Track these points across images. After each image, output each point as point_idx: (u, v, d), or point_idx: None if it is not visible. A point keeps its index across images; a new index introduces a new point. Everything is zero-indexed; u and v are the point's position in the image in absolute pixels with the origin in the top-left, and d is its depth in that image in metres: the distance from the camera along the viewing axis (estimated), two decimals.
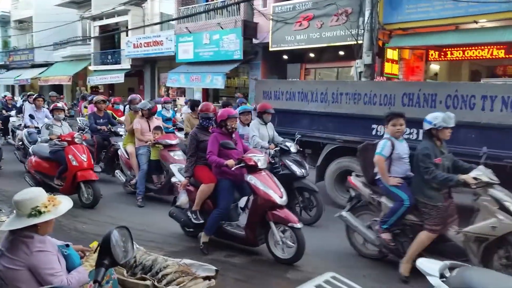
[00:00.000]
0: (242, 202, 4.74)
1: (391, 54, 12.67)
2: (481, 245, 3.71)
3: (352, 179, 4.64)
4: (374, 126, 6.22)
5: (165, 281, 2.91)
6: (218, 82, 16.23)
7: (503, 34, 10.36)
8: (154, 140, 6.60)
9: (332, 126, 6.70)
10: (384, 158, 4.16)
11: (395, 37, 12.22)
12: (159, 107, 8.80)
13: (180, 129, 8.98)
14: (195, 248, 4.78)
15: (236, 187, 4.68)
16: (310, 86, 7.12)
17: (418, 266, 2.41)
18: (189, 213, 4.81)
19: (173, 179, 5.42)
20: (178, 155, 6.48)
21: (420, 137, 5.41)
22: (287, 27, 14.25)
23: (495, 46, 11.47)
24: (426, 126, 4.04)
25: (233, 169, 4.38)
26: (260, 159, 4.45)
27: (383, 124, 5.96)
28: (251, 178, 4.38)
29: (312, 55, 14.99)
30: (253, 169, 4.40)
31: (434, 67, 14.14)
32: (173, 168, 5.52)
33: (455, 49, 12.30)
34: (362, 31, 11.43)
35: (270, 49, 14.97)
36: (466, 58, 12.44)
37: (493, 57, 11.83)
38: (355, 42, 11.90)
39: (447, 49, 12.50)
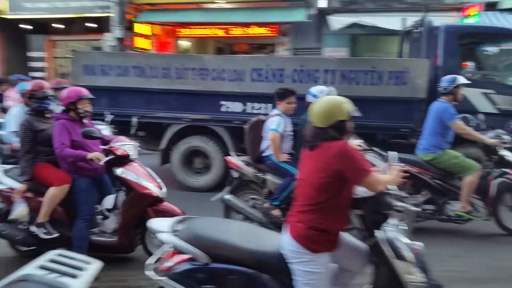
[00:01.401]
0: (108, 202, 3.86)
1: (141, 29, 12.86)
2: None
3: (232, 159, 4.41)
4: (223, 102, 6.07)
5: None
6: None
7: (237, 15, 12.04)
8: None
9: (178, 104, 6.21)
10: (279, 135, 4.10)
11: (145, 12, 12.42)
12: None
13: None
14: None
15: (95, 185, 3.79)
16: (149, 60, 6.35)
17: (149, 226, 2.49)
18: (33, 228, 3.62)
19: None
20: None
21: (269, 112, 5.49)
22: None
23: (231, 25, 12.97)
24: (311, 99, 4.07)
25: (101, 163, 3.54)
26: (131, 148, 3.77)
27: (233, 100, 5.98)
28: (123, 172, 3.64)
29: (58, 26, 13.73)
30: (122, 160, 3.68)
31: (185, 43, 14.64)
32: None
33: (200, 26, 13.21)
34: (111, 3, 11.46)
35: (6, 16, 12.99)
36: (210, 36, 13.61)
37: (231, 35, 13.36)
38: (105, 14, 11.78)
39: (193, 27, 13.34)
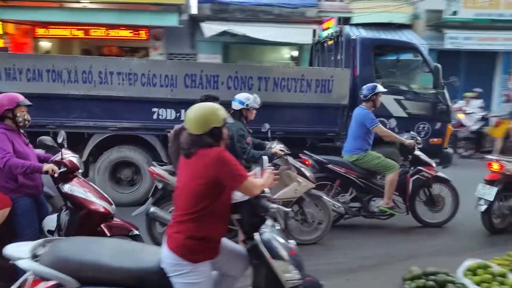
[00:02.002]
0: (50, 223, 3.35)
1: None
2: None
3: (155, 169, 4.16)
4: (155, 109, 5.66)
5: None
6: None
7: (102, 15, 11.73)
8: None
9: (102, 112, 5.58)
10: None
11: None
12: None
13: None
14: None
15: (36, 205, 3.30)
16: (67, 62, 5.51)
17: (5, 253, 2.20)
18: None
19: None
20: None
21: None
22: None
23: (97, 27, 12.52)
24: (238, 106, 4.13)
25: (56, 175, 3.17)
26: (77, 160, 3.47)
27: (165, 107, 5.62)
28: (71, 188, 3.28)
29: None
30: (68, 175, 3.33)
31: (45, 44, 13.59)
32: None
33: (59, 27, 12.39)
34: None
35: None
36: (74, 37, 12.80)
37: (98, 37, 12.90)
38: None
39: (54, 26, 12.41)
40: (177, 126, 4.36)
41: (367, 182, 4.97)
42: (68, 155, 3.41)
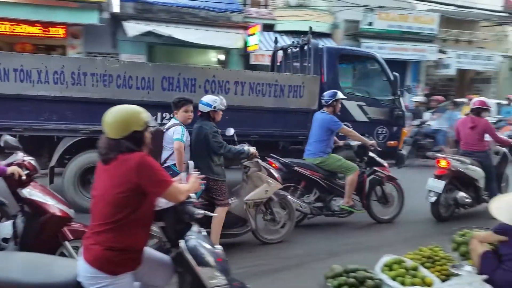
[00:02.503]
0: (4, 230, 3.17)
1: None
2: (257, 209, 4.49)
3: None
4: None
5: None
6: None
7: (12, 10, 11.04)
8: None
9: (74, 114, 5.25)
10: (184, 144, 3.98)
11: None
12: None
13: None
14: None
15: None
16: (36, 62, 5.06)
17: None
18: None
19: None
20: None
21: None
22: None
23: (13, 22, 11.68)
24: (205, 109, 4.20)
25: (23, 178, 3.10)
26: (36, 163, 3.41)
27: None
28: (30, 192, 3.15)
29: None
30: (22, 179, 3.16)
31: None
32: None
33: None
34: None
35: None
36: None
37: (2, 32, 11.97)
38: None
39: None
40: (156, 129, 4.19)
41: (329, 183, 5.22)
42: (28, 158, 3.34)
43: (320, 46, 6.75)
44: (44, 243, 3.18)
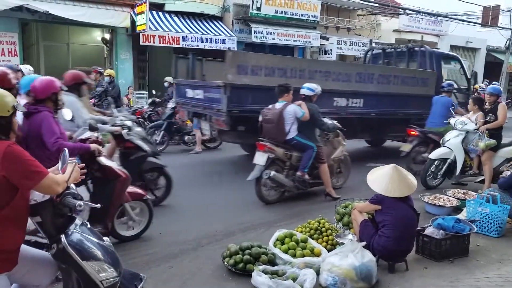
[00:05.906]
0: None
1: None
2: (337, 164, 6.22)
3: (267, 144, 5.36)
4: None
5: None
6: None
7: None
8: None
9: None
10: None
11: None
12: None
13: None
14: None
15: None
16: None
17: None
18: None
19: None
20: None
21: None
22: None
23: None
24: (309, 93, 5.66)
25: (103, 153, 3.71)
26: None
27: None
28: (106, 160, 3.78)
29: None
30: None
31: None
32: None
33: None
34: None
35: None
36: None
37: None
38: None
39: None
40: (275, 112, 5.47)
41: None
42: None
43: (429, 50, 9.29)
44: (114, 204, 3.71)
